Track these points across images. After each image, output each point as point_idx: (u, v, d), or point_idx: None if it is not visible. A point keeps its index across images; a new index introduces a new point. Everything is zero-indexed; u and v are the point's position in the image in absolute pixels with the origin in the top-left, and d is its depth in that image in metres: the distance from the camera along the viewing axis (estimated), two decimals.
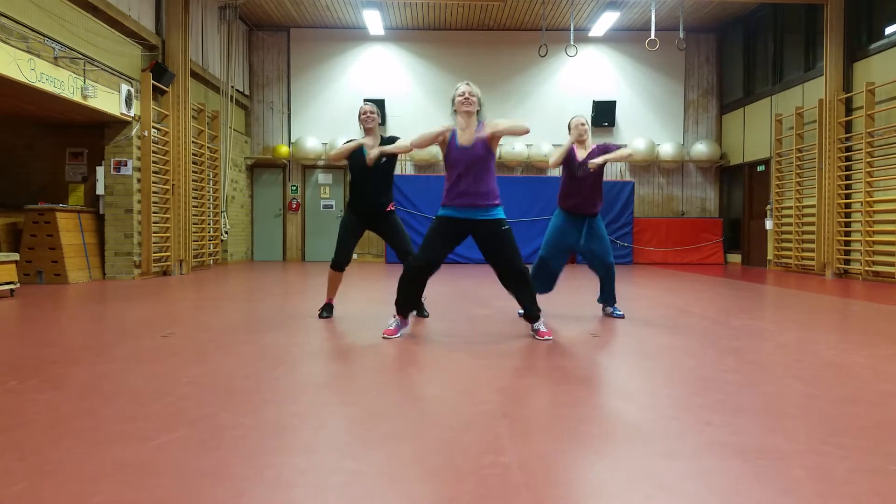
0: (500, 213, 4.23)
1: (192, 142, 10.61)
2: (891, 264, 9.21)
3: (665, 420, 2.49)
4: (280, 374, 3.21)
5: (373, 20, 12.74)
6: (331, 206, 14.37)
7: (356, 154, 5.05)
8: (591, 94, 14.14)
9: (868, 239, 9.65)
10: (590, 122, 5.38)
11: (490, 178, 4.20)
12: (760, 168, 13.10)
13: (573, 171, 5.16)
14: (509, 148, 13.79)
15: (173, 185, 9.83)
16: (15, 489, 1.78)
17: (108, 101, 8.23)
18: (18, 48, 6.53)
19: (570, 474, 1.94)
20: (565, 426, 2.40)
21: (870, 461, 2.03)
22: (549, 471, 1.95)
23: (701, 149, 14.10)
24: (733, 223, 14.15)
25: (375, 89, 13.99)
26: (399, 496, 1.77)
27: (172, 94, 9.73)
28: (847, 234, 10.27)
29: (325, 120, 14.15)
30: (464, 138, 4.18)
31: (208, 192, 11.51)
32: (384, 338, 4.18)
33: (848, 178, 10.34)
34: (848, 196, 10.31)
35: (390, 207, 5.12)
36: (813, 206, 10.90)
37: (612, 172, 14.37)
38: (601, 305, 5.47)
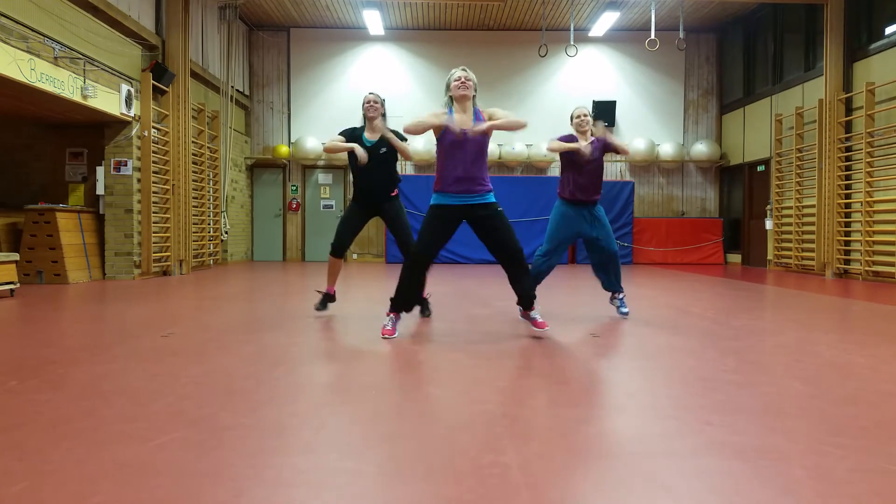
0: (493, 198, 4.23)
1: (192, 142, 10.61)
2: (891, 264, 9.21)
3: (665, 420, 2.49)
4: (280, 374, 3.21)
5: (373, 20, 12.74)
6: (331, 206, 14.37)
7: (355, 141, 5.04)
8: (591, 94, 14.14)
9: (868, 239, 9.65)
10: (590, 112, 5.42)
11: (483, 165, 4.20)
12: (760, 168, 13.10)
13: (574, 159, 5.16)
14: (509, 148, 13.79)
15: (173, 185, 9.83)
16: (15, 489, 1.78)
17: (108, 101, 8.23)
18: (18, 48, 6.53)
19: (570, 474, 1.94)
20: (565, 426, 2.40)
21: (870, 461, 2.03)
22: (549, 471, 1.95)
23: (701, 149, 14.10)
24: (733, 223, 14.15)
25: (375, 89, 13.93)
26: (399, 496, 1.77)
27: (172, 94, 9.73)
28: (847, 234, 10.27)
29: (325, 120, 14.15)
30: (460, 122, 4.17)
31: (208, 192, 11.51)
32: (384, 338, 4.17)
33: (848, 178, 10.34)
34: (848, 196, 10.31)
35: (394, 193, 5.12)
36: (813, 206, 10.90)
37: (613, 172, 14.38)
38: (609, 295, 5.42)
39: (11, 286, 6.65)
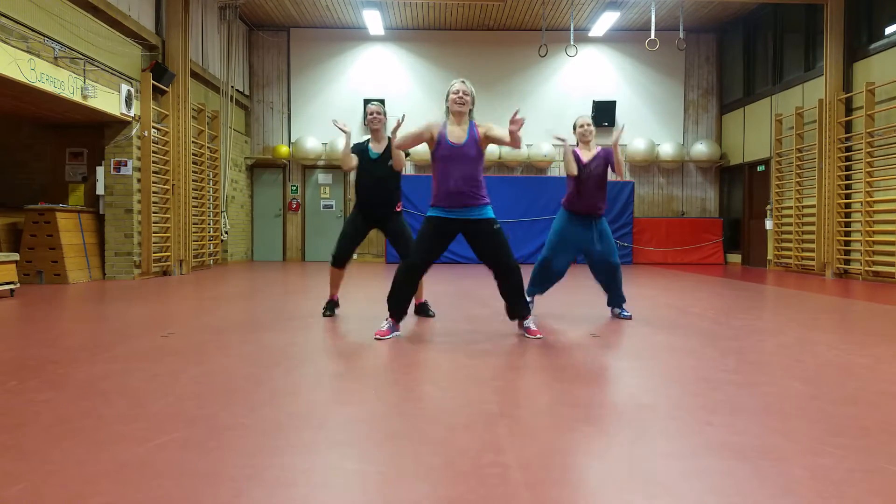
0: (490, 213, 4.20)
1: (192, 142, 10.61)
2: (891, 264, 9.21)
3: (665, 420, 2.49)
4: (280, 374, 3.21)
5: (373, 20, 12.74)
6: (331, 206, 14.37)
7: (361, 154, 5.03)
8: (591, 94, 14.14)
9: (868, 239, 9.65)
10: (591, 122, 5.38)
11: (480, 177, 4.18)
12: (760, 168, 13.10)
13: (577, 173, 5.13)
14: (509, 148, 13.77)
15: (173, 185, 9.83)
16: (15, 489, 1.78)
17: (108, 101, 8.23)
18: (18, 48, 6.53)
19: (570, 474, 1.94)
20: (565, 426, 2.40)
21: (870, 461, 2.03)
22: (549, 471, 1.95)
23: (701, 149, 14.10)
24: (733, 223, 14.14)
25: (375, 89, 13.99)
26: (399, 496, 1.77)
27: (172, 94, 9.73)
28: (847, 234, 10.27)
29: (325, 120, 14.11)
30: (455, 136, 4.16)
31: (208, 192, 11.51)
32: (376, 339, 4.15)
33: (848, 178, 10.34)
34: (848, 196, 10.31)
35: (398, 208, 5.09)
36: (813, 206, 10.90)
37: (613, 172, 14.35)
38: (609, 309, 5.43)
39: (11, 286, 6.65)
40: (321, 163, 14.21)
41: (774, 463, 2.01)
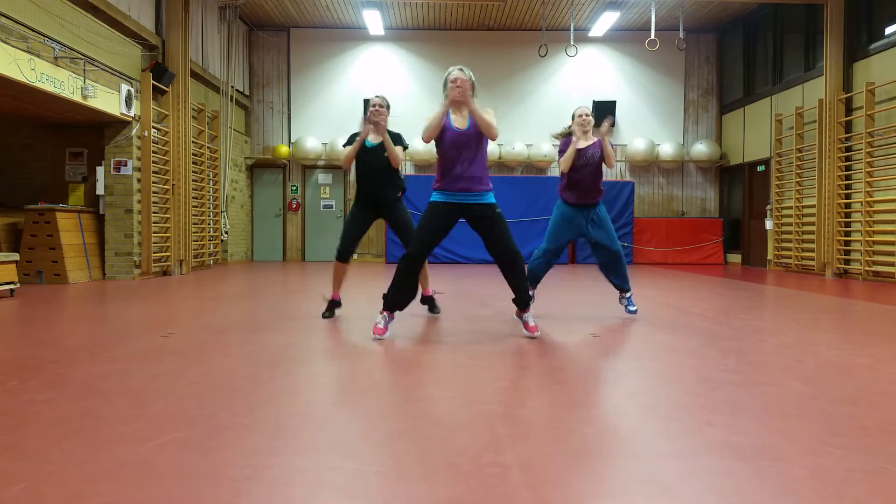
0: (492, 198, 4.23)
1: (192, 142, 10.61)
2: (891, 264, 9.21)
3: (665, 420, 2.49)
4: (280, 374, 3.21)
5: (373, 20, 12.74)
6: (331, 206, 14.37)
7: (361, 147, 5.03)
8: (591, 94, 14.14)
9: (868, 239, 9.65)
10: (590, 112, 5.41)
11: (483, 162, 4.20)
12: (760, 168, 13.10)
13: (574, 162, 5.17)
14: (509, 148, 13.79)
15: (173, 185, 9.83)
16: (15, 489, 1.78)
17: (108, 101, 8.23)
18: (18, 48, 6.53)
19: (570, 474, 1.94)
20: (565, 426, 2.40)
21: (870, 461, 2.03)
22: (549, 471, 1.95)
23: (701, 149, 14.10)
24: (733, 223, 14.14)
25: (375, 89, 13.92)
26: (399, 496, 1.77)
27: (172, 94, 9.73)
28: (847, 234, 10.27)
29: (325, 120, 14.15)
30: (459, 121, 4.17)
31: (208, 192, 11.51)
32: (375, 338, 4.13)
33: (848, 178, 10.34)
34: (848, 196, 10.31)
35: (399, 194, 5.10)
36: (813, 206, 10.90)
37: (613, 172, 14.36)
38: (618, 294, 5.41)
39: (11, 286, 6.65)
40: (321, 163, 14.21)
41: (774, 463, 2.01)
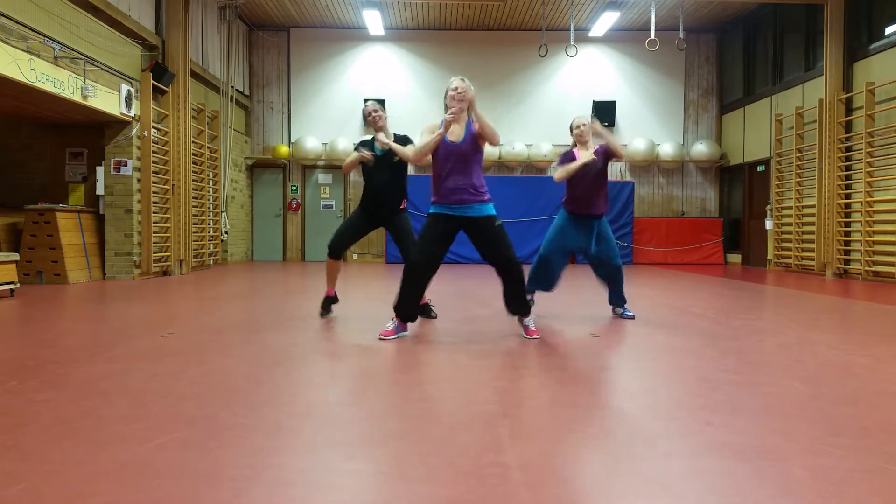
0: (491, 209, 4.22)
1: (192, 142, 10.61)
2: (891, 264, 9.21)
3: (665, 420, 2.49)
4: (280, 374, 3.21)
5: (373, 20, 12.74)
6: (331, 206, 14.37)
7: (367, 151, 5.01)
8: (591, 94, 14.14)
9: (868, 239, 9.65)
10: (589, 122, 5.35)
11: (478, 173, 4.20)
12: (760, 168, 13.10)
13: (579, 174, 5.12)
14: (509, 148, 13.79)
15: (173, 185, 9.83)
16: (15, 489, 1.78)
17: (108, 101, 8.23)
18: (18, 48, 6.53)
19: (570, 474, 1.94)
20: (565, 426, 2.40)
21: (870, 461, 2.03)
22: (549, 471, 1.95)
23: (701, 149, 14.10)
24: (733, 223, 14.15)
25: (375, 89, 13.99)
26: (399, 496, 1.77)
27: (172, 94, 9.73)
28: (847, 234, 10.27)
29: (325, 120, 14.15)
30: (453, 134, 4.18)
31: (208, 192, 11.51)
32: (380, 339, 4.16)
33: (848, 178, 10.34)
34: (848, 196, 10.31)
35: (402, 205, 5.09)
36: (813, 206, 10.90)
37: (613, 172, 14.37)
38: (611, 308, 5.44)
39: (11, 286, 6.65)
40: (321, 163, 14.21)
41: (774, 463, 2.01)
